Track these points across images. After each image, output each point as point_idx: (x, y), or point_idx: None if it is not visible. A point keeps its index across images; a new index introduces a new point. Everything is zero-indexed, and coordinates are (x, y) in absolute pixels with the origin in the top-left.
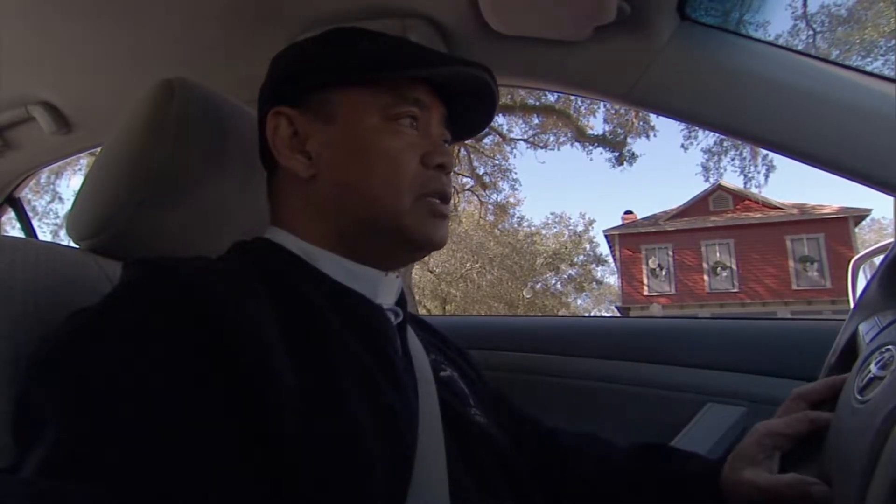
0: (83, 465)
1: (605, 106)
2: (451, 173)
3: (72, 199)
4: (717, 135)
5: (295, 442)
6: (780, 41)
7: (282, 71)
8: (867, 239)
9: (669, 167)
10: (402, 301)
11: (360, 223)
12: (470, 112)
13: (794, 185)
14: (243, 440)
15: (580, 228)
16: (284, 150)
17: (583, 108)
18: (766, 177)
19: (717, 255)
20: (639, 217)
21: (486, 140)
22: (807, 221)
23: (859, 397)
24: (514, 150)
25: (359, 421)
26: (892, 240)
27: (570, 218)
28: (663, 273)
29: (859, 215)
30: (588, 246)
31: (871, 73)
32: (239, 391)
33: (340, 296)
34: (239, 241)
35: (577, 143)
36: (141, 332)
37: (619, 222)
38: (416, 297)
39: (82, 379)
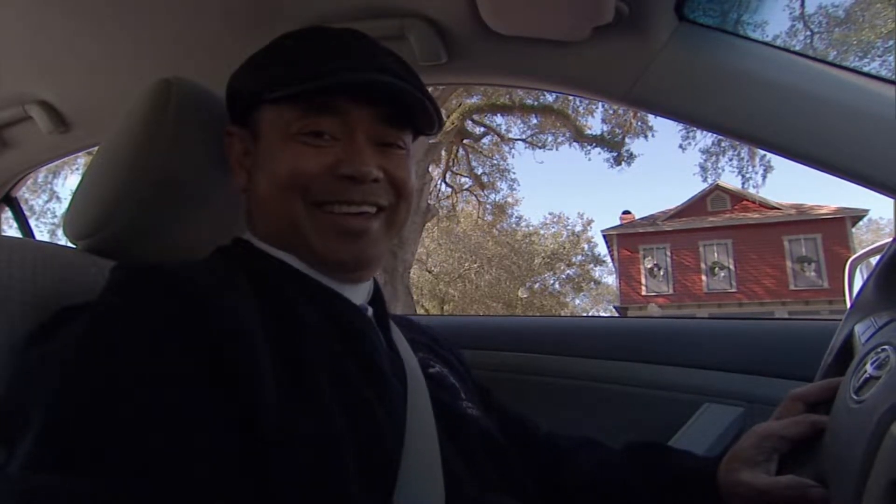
0: (68, 460)
1: (603, 106)
2: (393, 181)
3: (69, 198)
4: (715, 135)
5: (274, 436)
6: (778, 42)
7: (228, 92)
8: (864, 239)
9: (667, 167)
10: (375, 299)
11: (276, 237)
12: (403, 110)
13: (792, 185)
14: (230, 434)
15: (578, 228)
16: (235, 164)
17: (581, 108)
18: (764, 177)
19: (715, 255)
20: (637, 217)
21: (485, 140)
22: (804, 222)
23: (855, 397)
24: (513, 150)
25: (333, 417)
26: (888, 240)
27: (568, 218)
28: (661, 273)
29: (856, 216)
30: (586, 246)
31: (868, 75)
32: (226, 387)
33: (315, 292)
34: (221, 245)
35: (575, 143)
36: (128, 331)
37: (618, 222)
38: (415, 297)
39: (68, 376)
